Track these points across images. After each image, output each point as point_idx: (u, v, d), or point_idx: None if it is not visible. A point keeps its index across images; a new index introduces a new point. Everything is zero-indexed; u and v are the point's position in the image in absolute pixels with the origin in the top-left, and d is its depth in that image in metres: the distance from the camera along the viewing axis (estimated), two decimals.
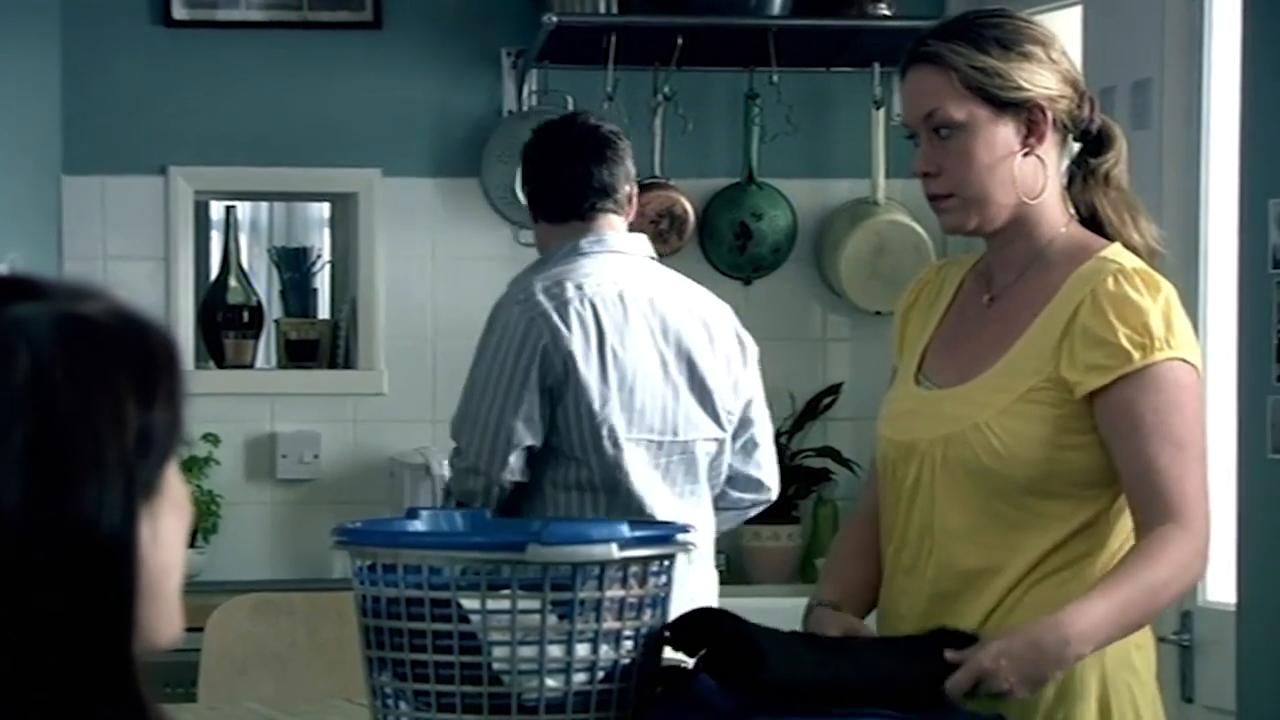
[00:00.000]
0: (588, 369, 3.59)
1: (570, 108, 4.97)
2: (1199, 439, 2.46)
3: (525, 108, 5.03)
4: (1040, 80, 2.50)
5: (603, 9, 4.81)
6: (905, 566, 2.56)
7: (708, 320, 3.75)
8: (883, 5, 4.86)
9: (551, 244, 3.74)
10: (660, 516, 3.57)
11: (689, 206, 5.01)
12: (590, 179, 3.71)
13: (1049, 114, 2.51)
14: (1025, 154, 2.51)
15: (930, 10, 4.81)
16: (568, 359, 3.58)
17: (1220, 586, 3.87)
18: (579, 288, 3.63)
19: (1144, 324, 2.43)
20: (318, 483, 4.99)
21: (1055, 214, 2.54)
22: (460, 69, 5.04)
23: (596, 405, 3.59)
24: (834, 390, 5.10)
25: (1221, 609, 3.83)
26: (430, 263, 5.06)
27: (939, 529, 2.52)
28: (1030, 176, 2.52)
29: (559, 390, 3.59)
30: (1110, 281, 2.46)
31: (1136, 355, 2.43)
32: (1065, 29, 4.63)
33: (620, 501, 3.61)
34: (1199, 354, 2.50)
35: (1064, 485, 2.47)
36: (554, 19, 4.70)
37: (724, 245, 5.08)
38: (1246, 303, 3.69)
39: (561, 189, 3.72)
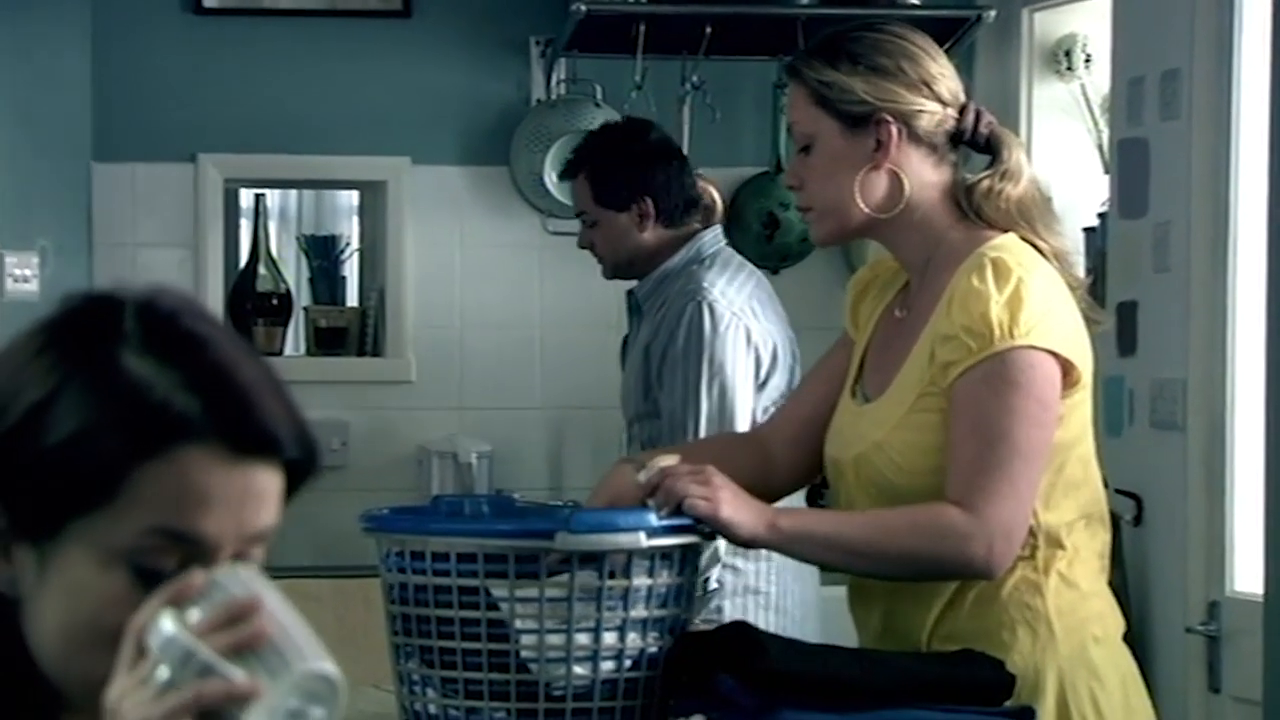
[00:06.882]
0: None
1: (599, 97, 4.98)
2: (1023, 430, 2.35)
3: (554, 96, 5.03)
4: (887, 94, 2.48)
5: None
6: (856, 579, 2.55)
7: None
8: None
9: (669, 242, 3.97)
10: None
11: (717, 196, 5.00)
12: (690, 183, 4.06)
13: (896, 127, 2.48)
14: (874, 167, 2.49)
15: None
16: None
17: (1248, 577, 3.87)
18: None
19: (983, 314, 2.37)
20: (345, 470, 4.99)
21: (937, 218, 2.51)
22: (489, 57, 5.04)
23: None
24: None
25: (1250, 599, 3.82)
26: (459, 251, 5.07)
27: None
28: (882, 190, 2.50)
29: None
30: (964, 276, 2.41)
31: (974, 346, 2.38)
32: (1096, 19, 4.62)
33: None
34: (1059, 337, 2.40)
35: None
36: (583, 7, 4.69)
37: (751, 235, 5.07)
38: (1276, 296, 3.67)
39: (682, 193, 4.01)
